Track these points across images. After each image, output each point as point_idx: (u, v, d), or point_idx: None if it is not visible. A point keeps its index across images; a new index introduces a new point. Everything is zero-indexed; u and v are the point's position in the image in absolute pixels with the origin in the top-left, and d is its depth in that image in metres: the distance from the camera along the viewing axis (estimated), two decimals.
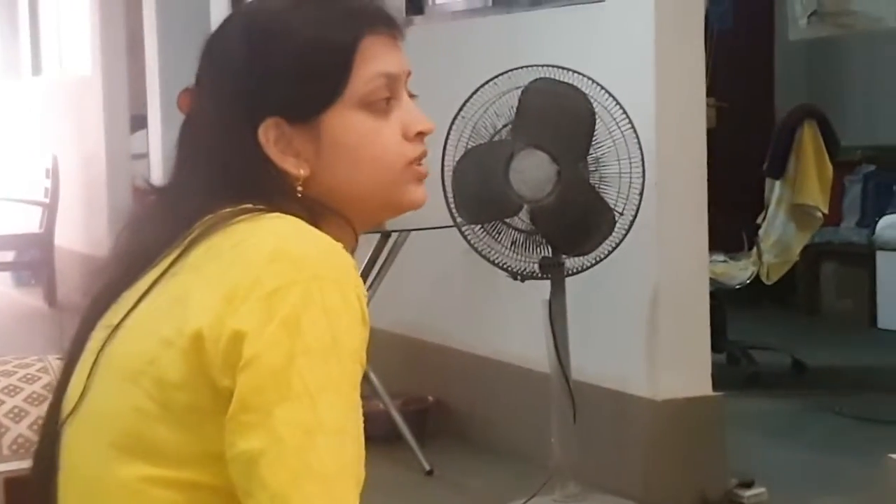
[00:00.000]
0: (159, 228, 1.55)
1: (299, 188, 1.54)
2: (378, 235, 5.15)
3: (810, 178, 6.60)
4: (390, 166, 1.58)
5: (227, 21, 1.64)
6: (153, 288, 1.50)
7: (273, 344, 1.39)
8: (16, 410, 1.78)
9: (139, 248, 1.57)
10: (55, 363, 1.81)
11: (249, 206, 1.51)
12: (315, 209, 1.54)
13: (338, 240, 1.49)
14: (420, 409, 5.60)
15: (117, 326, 1.51)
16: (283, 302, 1.40)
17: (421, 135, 1.60)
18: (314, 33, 1.55)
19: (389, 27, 1.59)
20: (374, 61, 1.56)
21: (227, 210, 1.51)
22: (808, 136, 6.61)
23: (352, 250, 1.53)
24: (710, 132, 4.93)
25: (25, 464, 1.70)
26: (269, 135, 1.54)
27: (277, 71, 1.55)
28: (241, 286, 1.42)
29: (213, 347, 1.40)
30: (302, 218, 1.50)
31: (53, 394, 1.62)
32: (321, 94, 1.54)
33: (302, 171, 1.54)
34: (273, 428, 1.37)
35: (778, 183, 6.67)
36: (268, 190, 1.53)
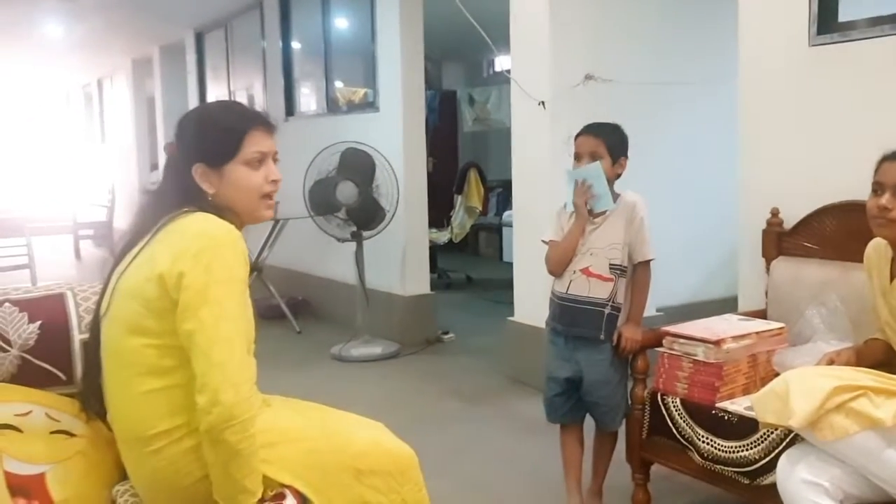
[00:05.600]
0: (146, 220, 1.48)
1: (211, 199, 1.48)
2: (272, 221, 5.00)
3: (474, 193, 6.72)
4: (255, 196, 1.51)
5: (188, 112, 1.57)
6: (141, 252, 1.44)
7: (198, 277, 1.34)
8: (88, 310, 1.67)
9: (137, 229, 1.50)
10: None
11: (187, 209, 1.45)
12: (220, 210, 1.47)
13: (232, 224, 1.45)
14: (296, 302, 5.43)
15: (123, 271, 1.45)
16: (204, 256, 1.36)
17: (274, 182, 1.52)
18: (226, 125, 1.49)
19: (266, 125, 1.52)
20: (254, 143, 1.49)
21: (177, 212, 1.45)
22: (473, 175, 6.73)
23: (240, 229, 1.47)
24: (429, 174, 4.94)
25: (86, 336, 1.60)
26: (198, 172, 1.47)
27: (205, 142, 1.48)
28: (182, 249, 1.37)
29: (169, 280, 1.36)
30: (214, 214, 1.44)
31: (97, 304, 1.55)
32: (226, 156, 1.48)
33: (213, 191, 1.48)
34: (200, 318, 1.33)
35: (459, 196, 6.76)
36: (197, 200, 1.47)
